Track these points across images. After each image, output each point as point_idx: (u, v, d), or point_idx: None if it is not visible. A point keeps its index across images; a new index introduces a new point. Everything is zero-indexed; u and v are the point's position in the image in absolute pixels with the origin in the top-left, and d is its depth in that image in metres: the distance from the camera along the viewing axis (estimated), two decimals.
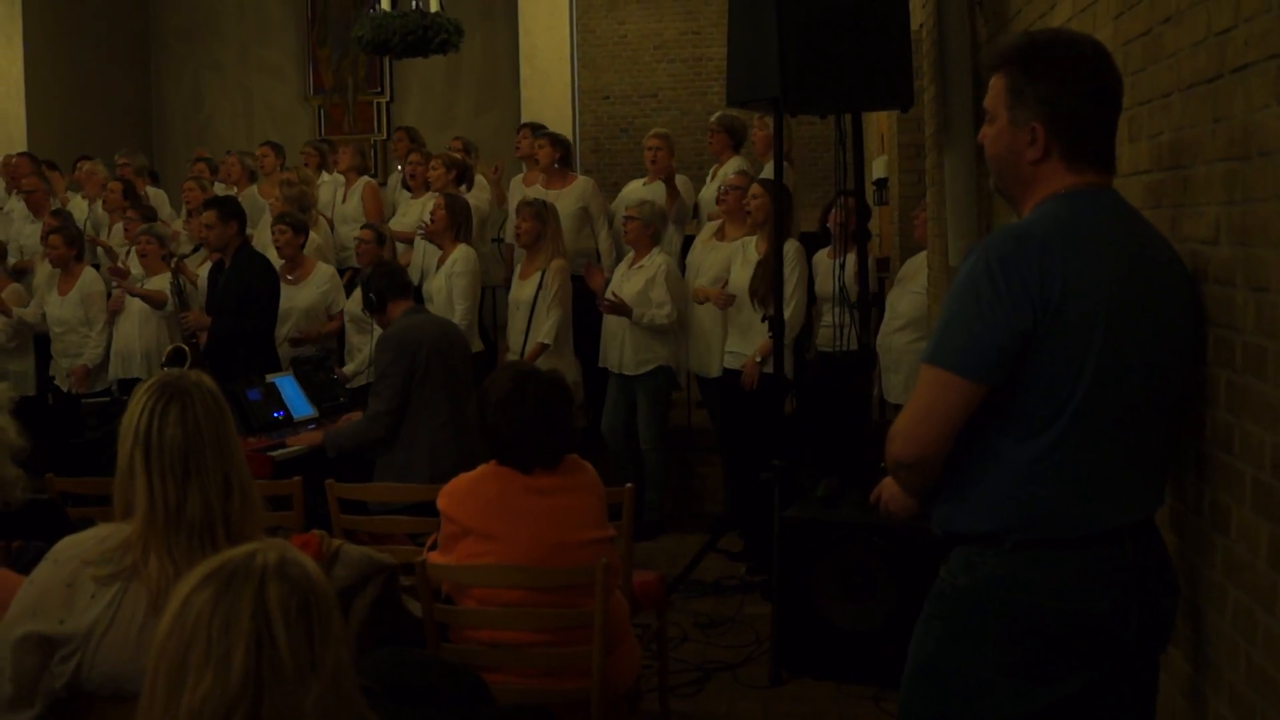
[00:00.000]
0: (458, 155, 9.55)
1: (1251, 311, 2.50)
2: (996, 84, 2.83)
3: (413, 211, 9.31)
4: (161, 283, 8.38)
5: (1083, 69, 2.74)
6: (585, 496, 4.14)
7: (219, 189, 10.03)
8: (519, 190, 9.40)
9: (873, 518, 5.00)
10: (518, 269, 8.30)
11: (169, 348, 7.73)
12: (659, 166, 8.91)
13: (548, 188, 8.96)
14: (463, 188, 9.16)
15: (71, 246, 8.88)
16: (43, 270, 9.33)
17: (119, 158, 10.89)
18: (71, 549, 2.83)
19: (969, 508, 2.78)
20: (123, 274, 8.56)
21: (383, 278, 6.36)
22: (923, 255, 7.26)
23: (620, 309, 7.82)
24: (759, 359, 7.33)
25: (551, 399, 4.15)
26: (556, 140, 9.17)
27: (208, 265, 8.30)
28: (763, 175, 8.12)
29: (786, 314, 6.77)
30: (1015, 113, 2.78)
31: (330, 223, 9.88)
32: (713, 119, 9.04)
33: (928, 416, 2.74)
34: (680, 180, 9.08)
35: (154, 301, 8.38)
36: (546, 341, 7.85)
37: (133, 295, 8.48)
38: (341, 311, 8.43)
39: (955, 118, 5.57)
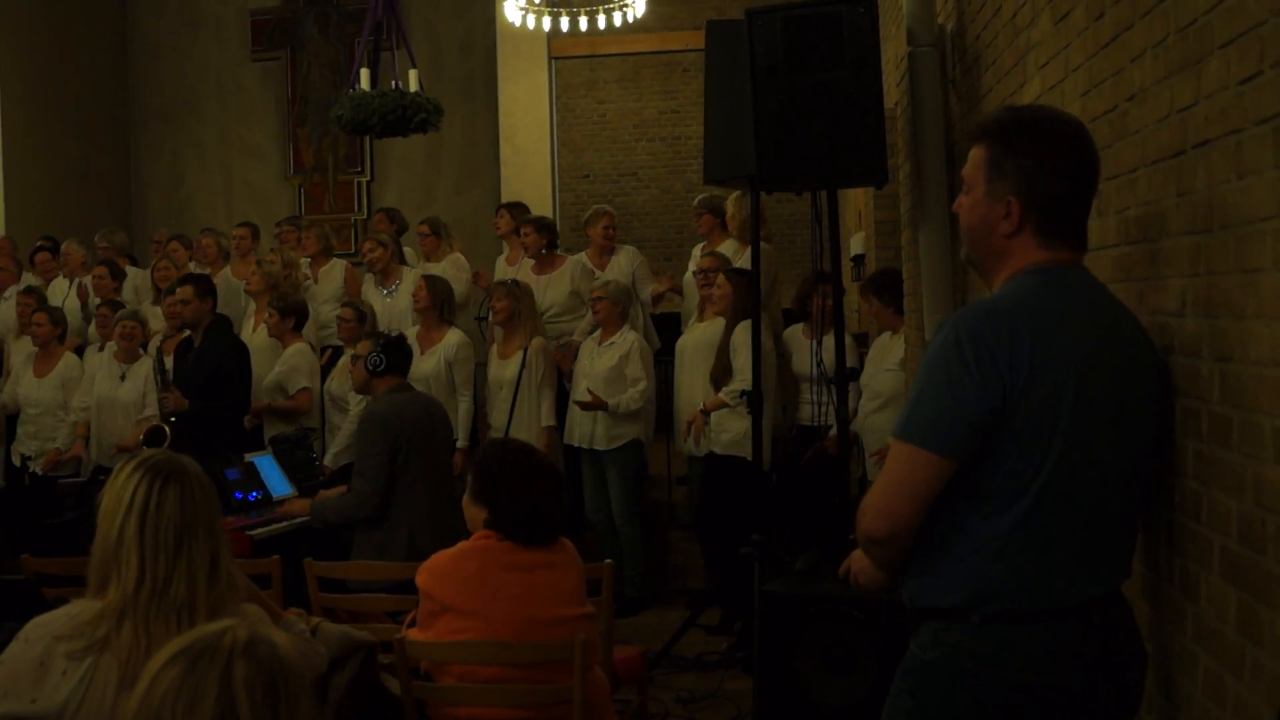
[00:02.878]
0: (384, 236, 9.62)
1: (1217, 382, 2.53)
2: (976, 155, 2.85)
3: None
4: (141, 368, 8.34)
5: (1062, 147, 2.77)
6: (564, 573, 4.15)
7: (193, 269, 10.02)
8: (502, 270, 9.45)
9: (853, 591, 4.99)
10: (495, 348, 8.33)
11: (146, 427, 7.69)
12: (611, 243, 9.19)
13: (538, 274, 9.00)
14: (403, 265, 9.34)
15: (56, 326, 8.88)
16: (19, 348, 9.30)
17: (98, 239, 10.90)
18: (42, 627, 2.83)
19: (937, 581, 2.79)
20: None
21: (397, 351, 6.40)
22: (887, 335, 7.32)
23: (598, 405, 7.88)
24: (704, 408, 7.55)
25: (557, 477, 4.22)
26: (541, 225, 9.19)
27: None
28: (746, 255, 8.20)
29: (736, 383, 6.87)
30: (993, 185, 2.80)
31: None
32: (695, 202, 9.11)
33: (898, 491, 2.75)
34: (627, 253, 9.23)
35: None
36: (551, 424, 7.90)
37: None
38: (303, 391, 8.36)
39: (930, 194, 5.63)
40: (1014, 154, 2.78)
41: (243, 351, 7.96)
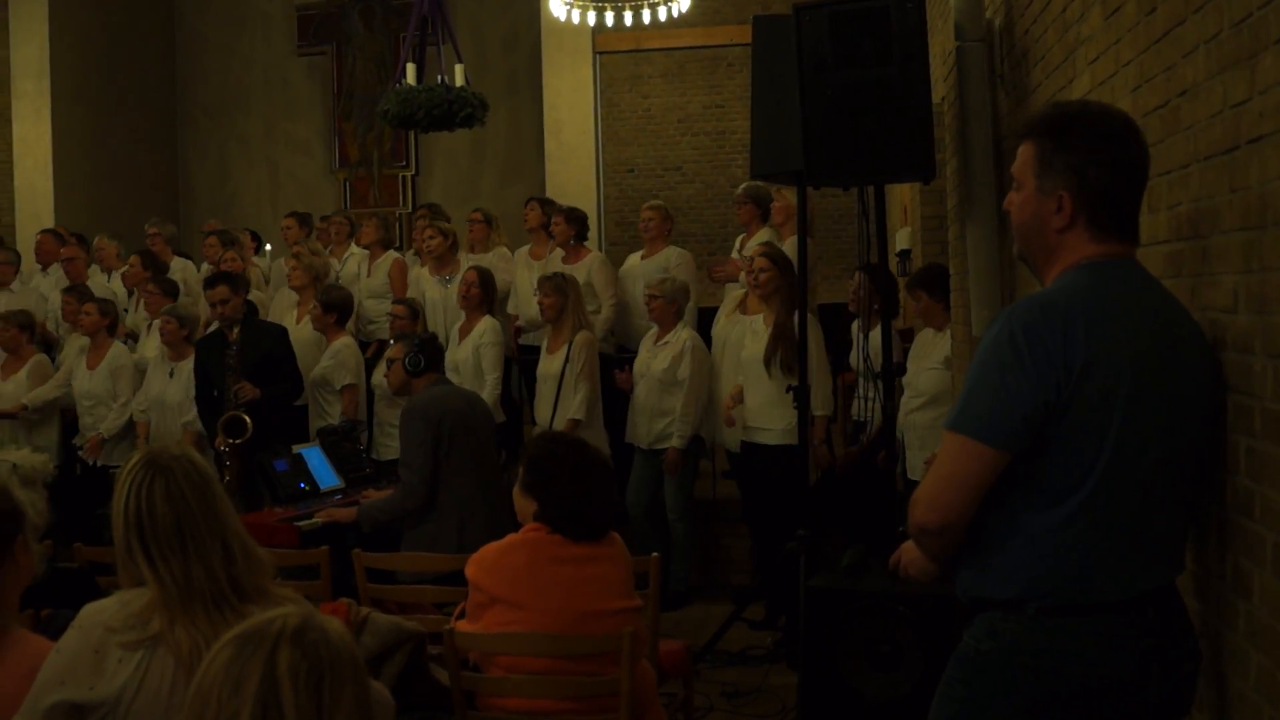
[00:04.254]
0: (477, 222, 9.65)
1: (1270, 378, 2.52)
2: (1025, 152, 2.85)
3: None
4: (187, 366, 8.42)
5: (1112, 140, 2.77)
6: (613, 566, 4.17)
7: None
8: (524, 262, 9.48)
9: (898, 587, 4.99)
10: (545, 342, 8.36)
11: (224, 416, 7.71)
12: (651, 235, 9.17)
13: (566, 264, 9.06)
14: (458, 255, 9.36)
15: (105, 317, 8.96)
16: (73, 342, 9.40)
17: (149, 227, 10.99)
18: (95, 616, 2.87)
19: (991, 574, 2.79)
20: None
21: (433, 350, 6.45)
22: (930, 331, 7.29)
23: (624, 383, 8.02)
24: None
25: (608, 471, 4.25)
26: (572, 216, 9.26)
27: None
28: (784, 248, 8.18)
29: (814, 391, 6.80)
30: (1043, 181, 2.80)
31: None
32: (739, 190, 9.11)
33: (950, 483, 2.75)
34: (677, 252, 9.24)
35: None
36: (578, 417, 7.90)
37: None
38: (349, 388, 8.40)
39: (977, 190, 5.61)
40: (1063, 149, 2.78)
41: (284, 335, 8.06)
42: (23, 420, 8.99)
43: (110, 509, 2.94)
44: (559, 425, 7.83)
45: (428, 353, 6.37)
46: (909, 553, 3.08)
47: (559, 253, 9.21)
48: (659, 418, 8.03)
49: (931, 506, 2.79)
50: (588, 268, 9.04)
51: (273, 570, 3.03)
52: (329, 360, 8.40)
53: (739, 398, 7.58)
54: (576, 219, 9.26)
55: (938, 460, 2.82)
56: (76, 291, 9.51)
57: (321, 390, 8.41)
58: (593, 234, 10.58)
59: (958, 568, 2.89)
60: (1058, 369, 2.63)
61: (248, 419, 7.56)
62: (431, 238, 9.37)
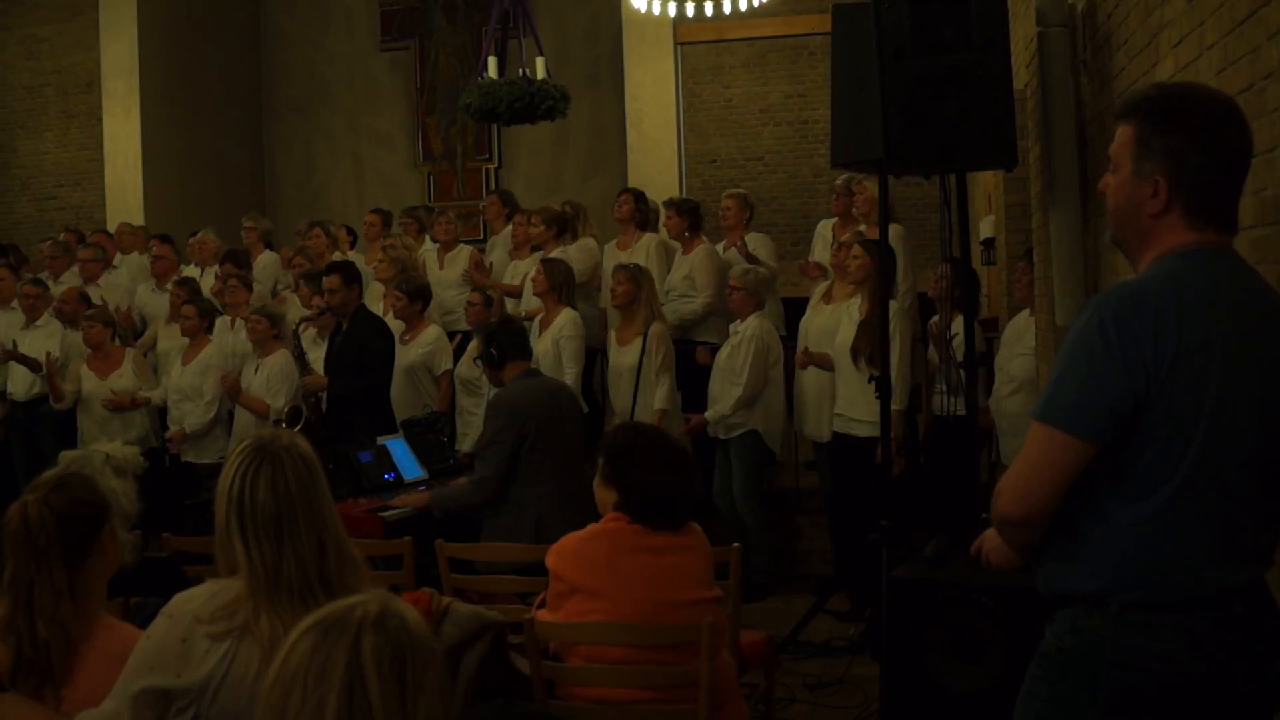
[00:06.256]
0: (557, 209, 9.70)
1: None
2: (1124, 133, 2.78)
3: (516, 274, 9.46)
4: (278, 360, 8.53)
5: (1213, 125, 2.69)
6: (692, 556, 4.17)
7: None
8: (613, 254, 9.51)
9: (982, 578, 4.95)
10: (613, 334, 8.37)
11: (288, 406, 7.86)
12: (730, 224, 9.21)
13: (685, 252, 9.11)
14: (565, 239, 9.31)
15: (204, 319, 9.09)
16: (167, 336, 9.55)
17: (246, 220, 11.15)
18: (185, 605, 2.91)
19: (1075, 568, 2.75)
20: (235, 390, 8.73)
21: (507, 335, 6.45)
22: (1025, 315, 7.21)
23: (696, 427, 8.01)
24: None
25: (687, 461, 4.24)
26: (683, 207, 9.29)
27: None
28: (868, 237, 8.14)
29: (892, 375, 6.76)
30: (1140, 164, 2.73)
31: None
32: (839, 180, 9.04)
33: (1035, 474, 2.71)
34: (754, 237, 9.23)
35: (256, 411, 8.57)
36: (666, 408, 7.93)
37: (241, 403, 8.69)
38: (446, 374, 8.52)
39: (1061, 177, 5.56)
40: (1163, 132, 2.70)
41: (386, 332, 8.11)
42: (117, 413, 9.13)
43: (198, 500, 2.99)
44: (641, 415, 7.86)
45: (499, 342, 6.39)
46: (991, 541, 3.04)
47: (648, 239, 9.29)
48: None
49: (1015, 498, 2.75)
50: (691, 260, 9.05)
51: (365, 571, 3.05)
52: (427, 347, 8.51)
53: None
54: (689, 210, 9.27)
55: (1023, 450, 2.77)
56: (188, 287, 9.64)
57: (420, 377, 8.49)
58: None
59: (1040, 560, 2.85)
60: (1147, 360, 2.59)
61: (304, 408, 7.66)
62: (534, 225, 9.43)
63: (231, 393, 8.62)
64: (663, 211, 9.41)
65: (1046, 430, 2.69)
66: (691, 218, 9.21)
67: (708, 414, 7.96)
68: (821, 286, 8.38)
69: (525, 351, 6.53)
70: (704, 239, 9.32)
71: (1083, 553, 2.73)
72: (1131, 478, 2.66)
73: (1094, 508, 2.70)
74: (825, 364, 7.65)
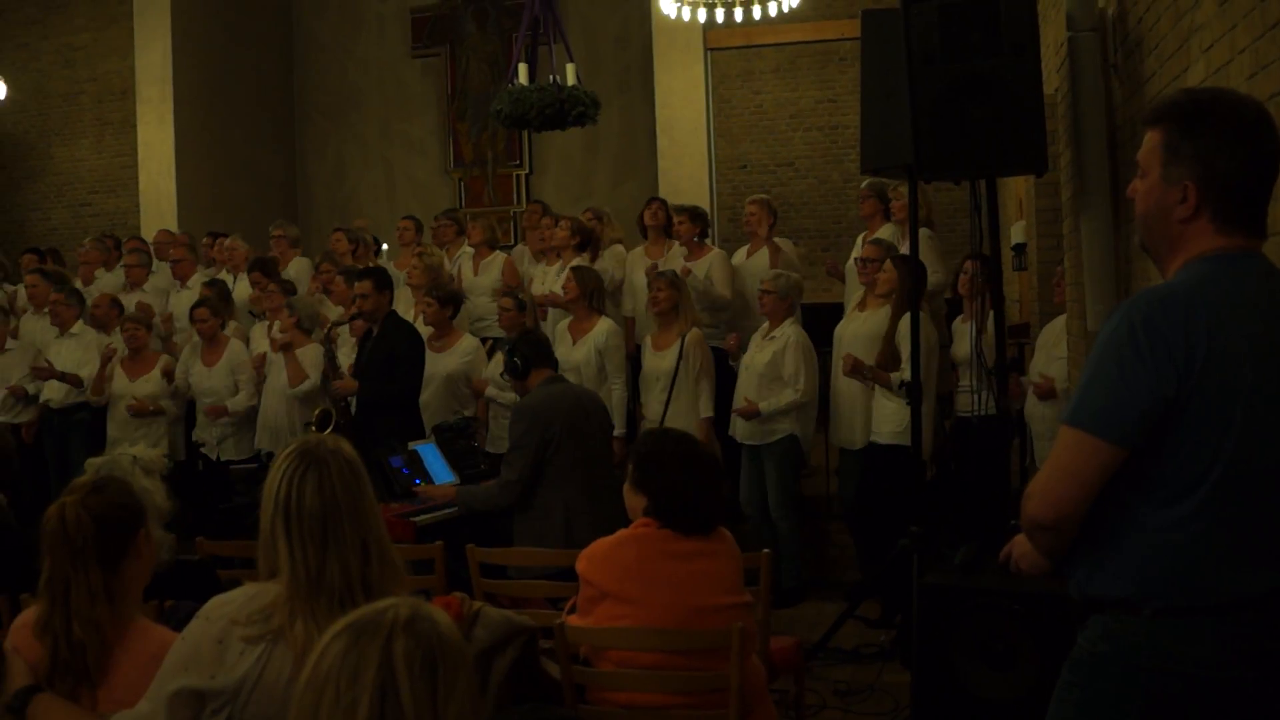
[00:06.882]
0: (587, 222, 9.71)
1: None
2: (1152, 138, 2.77)
3: (546, 280, 9.48)
4: (310, 352, 8.60)
5: (1242, 129, 2.68)
6: (723, 562, 4.17)
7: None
8: (639, 260, 9.52)
9: (1013, 585, 4.94)
10: (649, 339, 8.38)
11: (317, 410, 7.91)
12: (753, 229, 9.25)
13: (687, 260, 9.10)
14: (586, 254, 9.33)
15: (218, 317, 9.16)
16: (186, 342, 9.63)
17: (274, 229, 11.21)
18: (222, 607, 2.93)
19: (1107, 573, 2.73)
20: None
21: (530, 345, 6.50)
22: (1061, 320, 7.19)
23: (749, 412, 7.93)
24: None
25: (716, 466, 4.25)
26: (696, 214, 9.36)
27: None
28: (900, 240, 8.15)
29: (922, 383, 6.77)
30: (1169, 169, 2.72)
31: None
32: (863, 185, 9.06)
33: (1065, 478, 2.70)
34: (779, 242, 9.28)
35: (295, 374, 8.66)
36: (710, 415, 7.96)
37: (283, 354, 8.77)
38: (483, 380, 8.54)
39: (1092, 182, 5.54)
40: (1191, 137, 2.69)
41: (417, 338, 8.14)
42: (139, 418, 9.19)
43: (232, 504, 3.01)
44: (673, 420, 7.86)
45: (523, 352, 6.44)
46: (1020, 546, 3.01)
47: (680, 250, 9.26)
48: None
49: (1045, 501, 2.74)
50: (708, 264, 9.06)
51: (406, 577, 3.06)
52: (467, 356, 8.56)
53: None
54: (700, 217, 9.36)
55: (1053, 454, 2.76)
56: (216, 287, 9.71)
57: (459, 386, 8.54)
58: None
59: (1071, 565, 2.83)
60: (1178, 363, 2.58)
61: (334, 412, 7.71)
62: (561, 231, 9.47)
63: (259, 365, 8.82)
64: (674, 217, 9.43)
65: (1076, 434, 2.69)
66: (703, 224, 9.33)
67: (761, 404, 7.93)
68: (857, 294, 8.37)
69: (550, 360, 6.58)
70: (710, 245, 9.43)
71: (1114, 557, 2.72)
72: (1163, 482, 2.65)
73: (1125, 512, 2.69)
74: (880, 380, 7.70)
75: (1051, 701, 2.87)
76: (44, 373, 9.40)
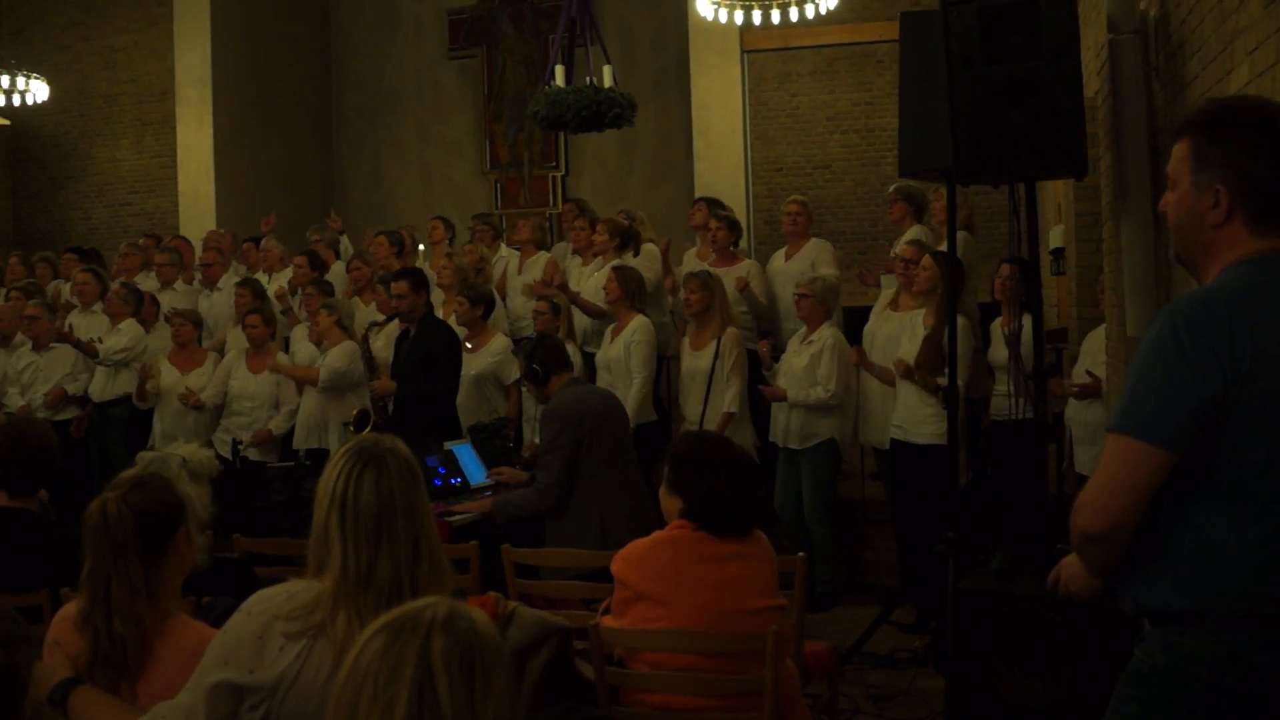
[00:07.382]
0: (624, 222, 9.71)
1: None
2: (1180, 149, 2.76)
3: (584, 280, 9.49)
4: (345, 353, 8.63)
5: (1269, 133, 2.66)
6: (758, 565, 4.16)
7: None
8: (691, 262, 9.52)
9: (1050, 591, 4.91)
10: (687, 340, 8.39)
11: (355, 410, 7.95)
12: (793, 231, 9.25)
13: (716, 266, 9.08)
14: (628, 253, 9.32)
15: (270, 326, 9.21)
16: (234, 340, 9.67)
17: (310, 233, 11.25)
18: (263, 603, 2.94)
19: (1164, 584, 2.67)
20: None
21: (547, 351, 6.52)
22: (1103, 329, 7.15)
23: (776, 395, 7.92)
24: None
25: (753, 469, 4.25)
26: (733, 224, 9.39)
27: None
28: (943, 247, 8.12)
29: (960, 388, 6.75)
30: (1199, 176, 2.71)
31: (503, 295, 10.03)
32: (891, 189, 9.05)
33: (1116, 486, 2.65)
34: (817, 243, 9.28)
35: (304, 378, 8.73)
36: (733, 410, 7.95)
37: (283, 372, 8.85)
38: (517, 383, 8.53)
39: (1132, 186, 5.51)
40: (1219, 142, 2.68)
41: (454, 338, 8.17)
42: (195, 410, 9.25)
43: (270, 503, 3.02)
44: (711, 420, 7.87)
45: (542, 358, 6.45)
46: (1069, 568, 2.96)
47: (711, 255, 9.28)
48: (799, 416, 8.02)
49: (1096, 511, 2.68)
50: (740, 272, 9.06)
51: (452, 579, 3.06)
52: (496, 357, 8.57)
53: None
54: (735, 225, 9.43)
55: (1101, 464, 2.71)
56: (250, 286, 9.77)
57: (488, 386, 8.55)
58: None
59: (1125, 579, 2.77)
60: (1224, 363, 2.55)
61: (372, 412, 7.75)
62: (599, 233, 9.48)
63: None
64: (713, 223, 9.41)
65: (1123, 441, 2.64)
66: (738, 234, 9.40)
67: (791, 394, 7.93)
68: (888, 294, 8.34)
69: (568, 364, 6.61)
70: (743, 255, 9.50)
71: (1171, 568, 2.66)
72: (1217, 486, 2.60)
73: (1179, 520, 2.64)
74: (886, 378, 7.67)
75: (1106, 714, 2.81)
76: (63, 338, 9.53)
